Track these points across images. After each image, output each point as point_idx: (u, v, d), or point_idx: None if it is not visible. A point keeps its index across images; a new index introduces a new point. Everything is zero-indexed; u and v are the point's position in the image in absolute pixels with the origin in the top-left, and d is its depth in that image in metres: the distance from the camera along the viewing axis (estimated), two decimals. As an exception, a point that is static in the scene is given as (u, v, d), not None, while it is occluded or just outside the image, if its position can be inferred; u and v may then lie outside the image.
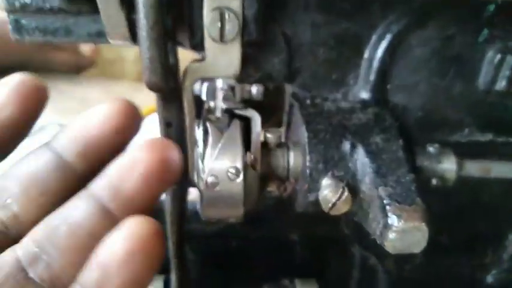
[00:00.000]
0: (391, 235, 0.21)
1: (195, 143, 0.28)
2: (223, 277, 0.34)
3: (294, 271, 0.35)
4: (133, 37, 0.24)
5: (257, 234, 0.35)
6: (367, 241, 0.34)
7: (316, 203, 0.25)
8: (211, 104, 0.32)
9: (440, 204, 0.33)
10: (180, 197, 0.30)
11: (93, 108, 0.24)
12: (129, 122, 0.23)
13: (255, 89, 0.38)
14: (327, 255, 0.36)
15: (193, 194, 0.31)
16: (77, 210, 0.21)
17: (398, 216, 0.21)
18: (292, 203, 0.31)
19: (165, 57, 0.23)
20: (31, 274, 0.20)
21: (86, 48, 0.69)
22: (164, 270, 0.33)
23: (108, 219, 0.21)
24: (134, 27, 0.23)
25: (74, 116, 0.24)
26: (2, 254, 0.21)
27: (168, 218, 0.31)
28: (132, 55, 0.92)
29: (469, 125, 0.30)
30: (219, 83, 0.37)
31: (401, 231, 0.21)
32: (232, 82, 0.39)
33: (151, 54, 0.23)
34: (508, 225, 0.34)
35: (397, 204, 0.21)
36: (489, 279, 0.36)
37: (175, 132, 0.28)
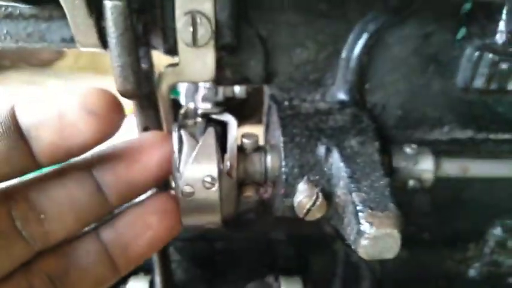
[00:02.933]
0: (364, 242, 0.21)
1: (172, 147, 0.28)
2: (208, 277, 0.35)
3: (278, 270, 0.35)
4: (104, 44, 0.24)
5: (240, 235, 0.35)
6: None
7: (293, 207, 0.25)
8: (190, 105, 0.32)
9: (422, 201, 0.33)
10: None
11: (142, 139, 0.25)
12: None
13: (237, 88, 0.37)
14: (311, 253, 0.36)
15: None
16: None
17: (370, 223, 0.21)
18: (271, 207, 0.31)
19: (137, 64, 0.23)
20: None
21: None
22: (150, 270, 0.33)
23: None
24: (104, 34, 0.23)
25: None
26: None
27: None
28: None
29: (448, 122, 0.30)
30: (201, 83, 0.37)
31: (373, 238, 0.21)
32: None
33: (122, 62, 0.23)
34: (489, 220, 0.34)
35: (369, 210, 0.21)
36: (471, 272, 0.36)
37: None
